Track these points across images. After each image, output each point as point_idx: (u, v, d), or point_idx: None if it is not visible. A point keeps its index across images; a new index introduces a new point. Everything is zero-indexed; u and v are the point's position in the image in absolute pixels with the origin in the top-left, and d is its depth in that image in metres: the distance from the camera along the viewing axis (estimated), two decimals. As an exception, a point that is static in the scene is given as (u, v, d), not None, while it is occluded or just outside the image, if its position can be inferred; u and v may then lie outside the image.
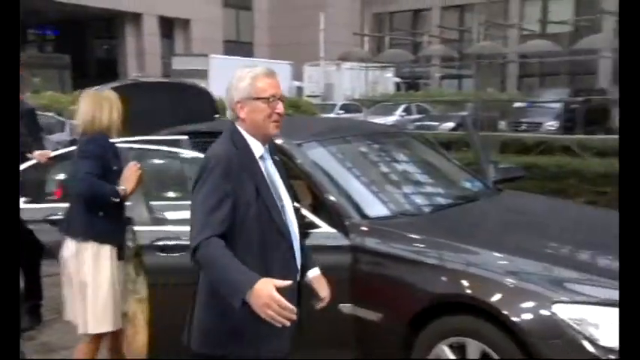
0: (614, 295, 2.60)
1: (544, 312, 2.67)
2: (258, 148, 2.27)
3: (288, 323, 1.97)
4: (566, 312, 2.62)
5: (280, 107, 2.25)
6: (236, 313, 2.04)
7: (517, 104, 17.32)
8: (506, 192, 4.33)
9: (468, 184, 4.26)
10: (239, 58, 24.12)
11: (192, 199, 2.18)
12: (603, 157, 9.00)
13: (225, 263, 2.04)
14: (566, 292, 2.73)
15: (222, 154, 2.20)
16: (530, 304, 2.72)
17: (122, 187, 3.20)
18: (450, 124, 16.76)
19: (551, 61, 15.39)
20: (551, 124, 15.70)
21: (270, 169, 2.31)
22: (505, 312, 2.71)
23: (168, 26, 31.03)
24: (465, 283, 2.93)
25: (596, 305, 2.63)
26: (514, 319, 2.69)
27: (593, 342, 2.54)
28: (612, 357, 2.51)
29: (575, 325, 2.58)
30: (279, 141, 3.59)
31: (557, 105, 16.33)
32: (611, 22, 16.73)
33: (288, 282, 2.06)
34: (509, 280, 2.85)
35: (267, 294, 1.93)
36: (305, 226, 3.28)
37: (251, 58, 27.17)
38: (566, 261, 3.12)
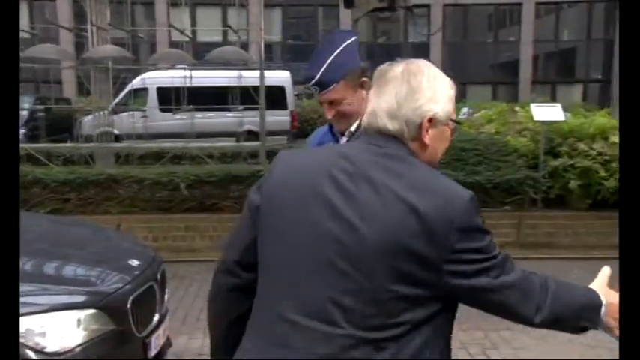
0: (61, 299, 2.69)
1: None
2: None
3: None
4: None
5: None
6: None
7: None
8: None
9: None
10: None
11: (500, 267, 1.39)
12: (68, 164, 9.20)
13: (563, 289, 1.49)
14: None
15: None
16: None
17: None
18: None
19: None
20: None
21: None
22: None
23: None
24: None
25: (43, 313, 2.62)
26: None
27: (39, 350, 2.54)
28: None
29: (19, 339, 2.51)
30: None
31: (23, 113, 15.85)
32: (67, 34, 17.27)
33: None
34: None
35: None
36: None
37: None
38: (22, 274, 3.01)
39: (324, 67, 2.04)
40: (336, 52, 2.04)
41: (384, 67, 1.54)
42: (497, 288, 1.37)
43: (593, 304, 1.47)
